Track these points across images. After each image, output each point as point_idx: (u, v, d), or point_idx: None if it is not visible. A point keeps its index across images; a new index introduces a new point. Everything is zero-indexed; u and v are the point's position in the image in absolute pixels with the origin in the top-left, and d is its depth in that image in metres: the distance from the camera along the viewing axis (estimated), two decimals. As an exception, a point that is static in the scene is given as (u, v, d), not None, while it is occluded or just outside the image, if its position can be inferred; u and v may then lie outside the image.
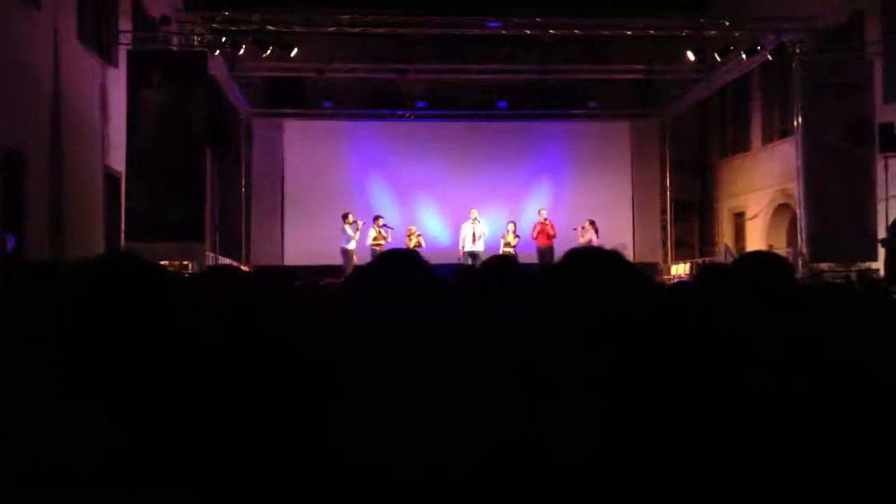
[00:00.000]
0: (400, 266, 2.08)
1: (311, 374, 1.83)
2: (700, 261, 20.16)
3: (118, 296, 1.54)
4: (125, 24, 15.17)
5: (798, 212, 15.98)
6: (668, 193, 22.30)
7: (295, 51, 16.71)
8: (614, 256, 1.83)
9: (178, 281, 2.55)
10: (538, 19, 16.44)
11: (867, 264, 14.37)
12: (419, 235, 18.02)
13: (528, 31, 16.79)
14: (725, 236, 21.86)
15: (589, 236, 17.96)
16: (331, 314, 2.41)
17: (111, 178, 14.53)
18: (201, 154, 14.79)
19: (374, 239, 17.21)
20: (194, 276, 2.75)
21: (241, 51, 16.26)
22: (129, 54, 14.62)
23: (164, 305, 1.57)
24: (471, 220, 17.77)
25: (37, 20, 11.68)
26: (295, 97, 21.75)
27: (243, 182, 21.23)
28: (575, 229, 18.15)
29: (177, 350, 1.54)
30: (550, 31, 16.67)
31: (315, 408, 1.74)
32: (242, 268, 17.52)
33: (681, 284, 4.30)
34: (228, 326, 2.10)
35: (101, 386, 1.47)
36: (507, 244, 17.72)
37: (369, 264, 2.15)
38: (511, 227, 18.09)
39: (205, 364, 1.66)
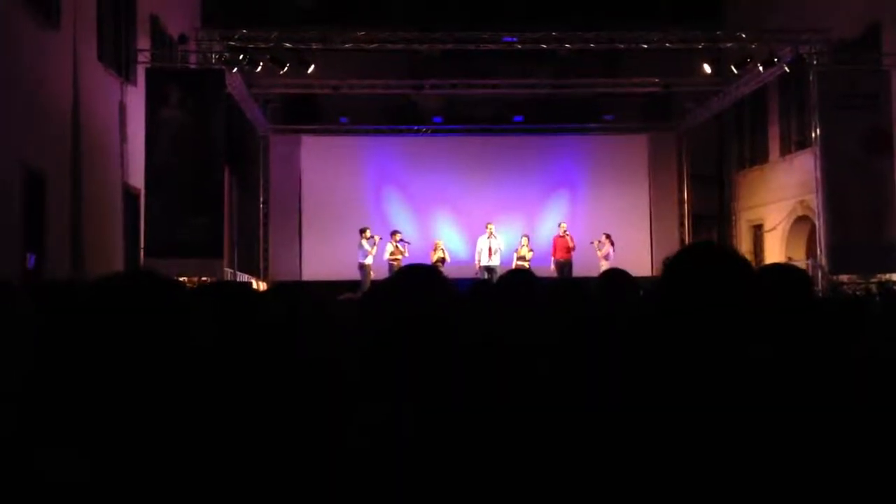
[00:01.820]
0: (418, 281, 2.09)
1: (323, 386, 1.84)
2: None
3: (137, 313, 1.55)
4: (144, 42, 15.31)
5: (817, 223, 15.88)
6: (685, 206, 22.24)
7: (312, 67, 16.82)
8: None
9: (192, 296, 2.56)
10: (553, 34, 16.45)
11: (887, 276, 14.26)
12: (444, 250, 18.04)
13: (544, 46, 16.79)
14: (744, 249, 21.75)
15: (606, 249, 17.94)
16: (347, 328, 2.42)
17: (130, 195, 14.62)
18: (219, 170, 14.89)
19: (392, 254, 17.23)
20: (197, 289, 2.74)
21: (259, 68, 16.37)
22: (148, 72, 14.74)
23: (181, 322, 1.58)
24: (487, 235, 17.78)
25: (56, 41, 11.79)
26: (312, 113, 21.90)
27: (261, 198, 21.32)
28: (592, 243, 18.12)
29: (193, 366, 1.55)
30: (566, 45, 16.67)
31: (326, 418, 1.75)
32: (260, 284, 17.60)
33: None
34: (239, 342, 2.11)
35: (118, 402, 1.48)
36: (521, 258, 17.66)
37: (387, 280, 2.16)
38: (524, 240, 18.04)
39: (220, 380, 1.67)
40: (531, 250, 17.85)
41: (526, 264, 17.05)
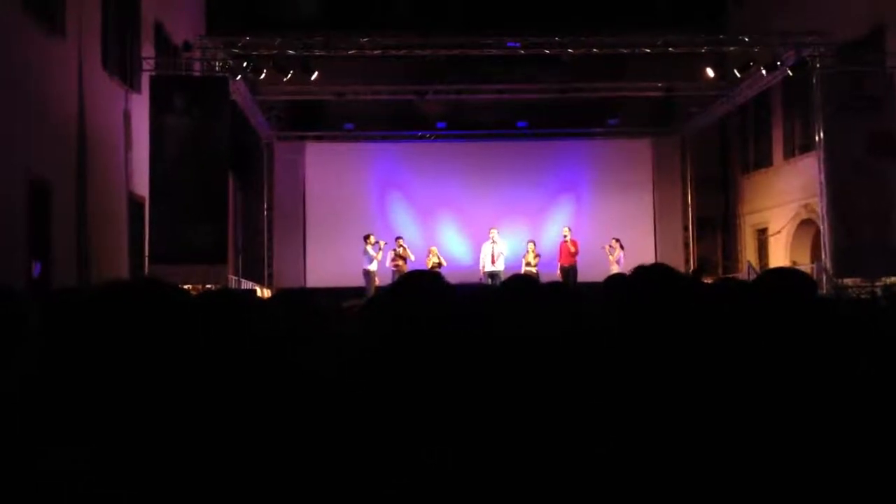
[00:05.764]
0: (422, 288, 2.09)
1: (327, 393, 1.84)
2: (723, 278, 19.99)
3: (141, 320, 1.55)
4: (148, 50, 15.34)
5: (821, 227, 15.84)
6: (690, 210, 22.22)
7: (315, 74, 16.84)
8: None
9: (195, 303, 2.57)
10: (557, 38, 16.44)
11: (892, 279, 14.22)
12: (438, 255, 18.02)
13: (548, 51, 16.79)
14: (748, 253, 21.71)
15: (618, 254, 17.91)
16: (353, 336, 2.42)
17: (135, 203, 14.65)
18: (224, 177, 14.91)
19: (393, 260, 17.22)
20: (201, 296, 2.74)
21: (263, 75, 16.40)
22: (152, 80, 14.77)
23: (184, 330, 1.58)
24: (490, 240, 17.76)
25: (61, 49, 11.82)
26: (316, 120, 21.92)
27: (265, 205, 21.35)
28: (603, 248, 18.10)
29: (195, 372, 1.56)
30: (569, 50, 16.66)
31: (329, 426, 1.75)
32: (265, 291, 17.61)
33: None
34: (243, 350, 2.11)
35: (122, 408, 1.49)
36: (528, 264, 17.64)
37: (391, 286, 2.17)
38: (531, 246, 17.99)
39: (222, 386, 1.67)
40: (537, 255, 17.82)
41: (533, 270, 17.02)
